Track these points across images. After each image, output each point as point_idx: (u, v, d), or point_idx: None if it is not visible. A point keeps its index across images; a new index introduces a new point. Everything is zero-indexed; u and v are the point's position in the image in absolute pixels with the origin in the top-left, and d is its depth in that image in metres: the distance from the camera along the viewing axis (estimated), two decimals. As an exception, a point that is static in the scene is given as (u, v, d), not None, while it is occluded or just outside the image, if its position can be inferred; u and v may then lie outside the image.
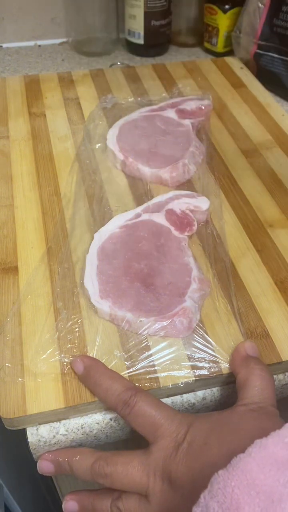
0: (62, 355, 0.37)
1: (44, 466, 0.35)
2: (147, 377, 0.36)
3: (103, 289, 0.40)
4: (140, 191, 0.52)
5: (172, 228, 0.45)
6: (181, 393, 0.37)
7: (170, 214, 0.46)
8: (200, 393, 0.37)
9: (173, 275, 0.41)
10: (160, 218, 0.46)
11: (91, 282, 0.41)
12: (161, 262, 0.42)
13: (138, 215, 0.47)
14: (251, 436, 0.27)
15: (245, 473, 0.24)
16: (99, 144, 0.57)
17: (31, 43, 0.85)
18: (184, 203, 0.48)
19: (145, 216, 0.46)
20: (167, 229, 0.45)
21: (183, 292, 0.40)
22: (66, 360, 0.36)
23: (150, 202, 0.48)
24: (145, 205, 0.48)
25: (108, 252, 0.43)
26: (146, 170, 0.52)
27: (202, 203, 0.48)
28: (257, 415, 0.31)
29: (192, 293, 0.40)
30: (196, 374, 0.36)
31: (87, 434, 0.36)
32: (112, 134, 0.57)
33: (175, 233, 0.45)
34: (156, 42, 0.81)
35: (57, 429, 0.35)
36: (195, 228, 0.46)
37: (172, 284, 0.41)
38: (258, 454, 0.24)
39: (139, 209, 0.47)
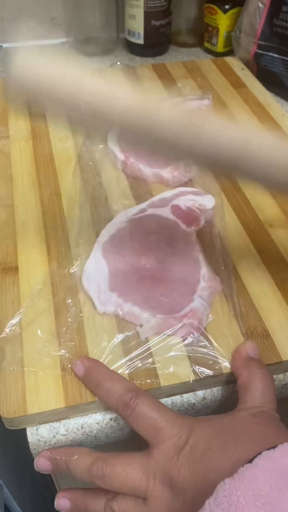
0: (63, 354, 0.37)
1: (41, 463, 0.34)
2: (147, 376, 0.36)
3: (107, 285, 0.40)
4: (141, 191, 0.51)
5: (180, 221, 0.44)
6: (181, 393, 0.37)
7: (176, 209, 0.45)
8: (200, 393, 0.37)
9: (182, 271, 0.41)
10: (166, 213, 0.45)
11: (94, 279, 0.40)
12: (170, 256, 0.41)
13: (143, 210, 0.46)
14: (254, 443, 0.28)
15: (251, 483, 0.24)
16: (100, 145, 0.57)
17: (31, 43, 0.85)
18: (189, 199, 0.47)
19: (150, 211, 0.46)
20: (174, 222, 0.44)
21: (193, 289, 0.39)
22: (67, 359, 0.36)
23: (155, 198, 0.47)
24: (150, 200, 0.47)
25: (114, 248, 0.43)
26: (147, 170, 0.52)
27: (207, 201, 0.47)
28: (260, 421, 0.31)
29: (202, 291, 0.39)
30: (196, 374, 0.36)
31: (87, 434, 0.36)
32: (113, 134, 0.56)
33: (183, 226, 0.44)
34: (156, 42, 0.81)
35: (57, 429, 0.35)
36: (202, 222, 0.45)
37: (181, 280, 0.40)
38: (264, 465, 0.24)
39: (144, 205, 0.47)
